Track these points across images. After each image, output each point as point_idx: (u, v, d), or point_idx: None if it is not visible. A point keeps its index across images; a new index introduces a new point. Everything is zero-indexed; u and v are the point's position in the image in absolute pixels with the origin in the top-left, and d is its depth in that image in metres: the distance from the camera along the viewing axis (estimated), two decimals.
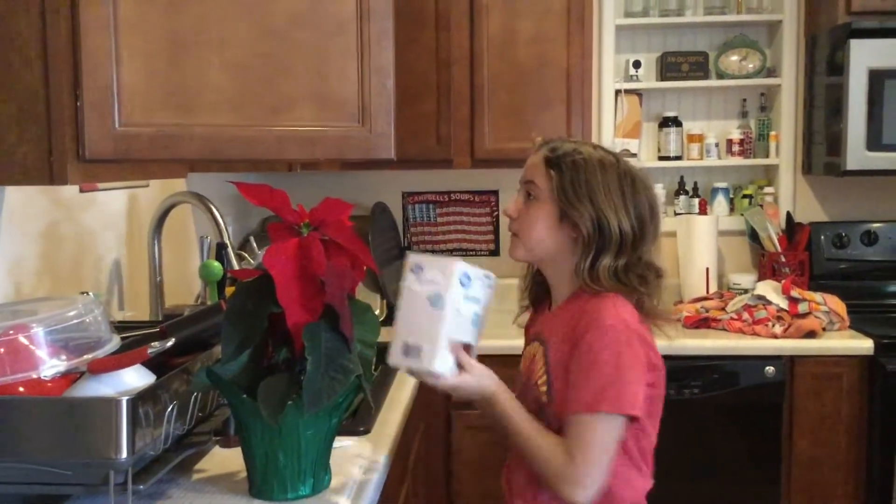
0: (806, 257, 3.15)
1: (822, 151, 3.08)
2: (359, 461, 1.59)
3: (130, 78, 1.33)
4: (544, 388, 1.51)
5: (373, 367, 1.39)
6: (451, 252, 3.37)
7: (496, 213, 3.37)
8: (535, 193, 1.53)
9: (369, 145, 1.51)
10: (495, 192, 3.38)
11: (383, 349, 2.20)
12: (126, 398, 1.22)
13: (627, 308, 1.48)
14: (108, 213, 2.13)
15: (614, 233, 1.47)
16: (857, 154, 2.86)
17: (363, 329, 1.37)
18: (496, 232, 3.38)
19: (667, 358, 2.68)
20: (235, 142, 1.41)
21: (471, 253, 3.37)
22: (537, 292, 1.68)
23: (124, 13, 1.32)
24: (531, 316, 1.73)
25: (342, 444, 1.63)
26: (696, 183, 3.34)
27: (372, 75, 1.50)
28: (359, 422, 1.80)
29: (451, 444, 2.79)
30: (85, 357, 1.35)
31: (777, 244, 3.16)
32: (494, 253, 3.39)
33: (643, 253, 1.51)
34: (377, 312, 2.98)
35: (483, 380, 1.47)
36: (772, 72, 3.26)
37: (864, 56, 2.84)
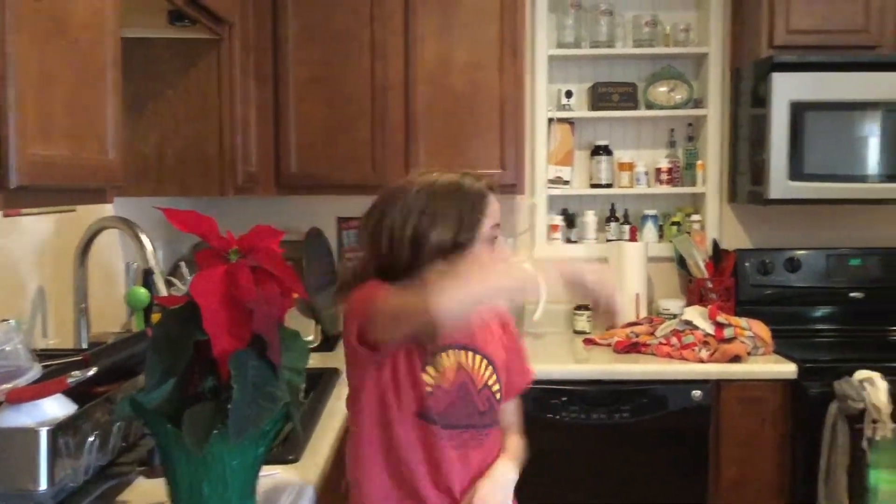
0: (732, 283, 3.23)
1: (746, 181, 3.18)
2: (287, 490, 1.57)
3: None
4: (497, 388, 1.67)
5: (301, 394, 1.38)
6: None
7: None
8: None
9: None
10: None
11: (314, 376, 2.19)
12: (45, 429, 1.19)
13: None
14: (33, 238, 2.09)
15: None
16: (779, 183, 2.96)
17: (292, 356, 1.36)
18: None
19: (598, 382, 2.76)
20: None
21: None
22: None
23: None
24: None
25: (270, 473, 1.62)
26: (626, 210, 3.41)
27: None
28: (288, 450, 1.78)
29: None
30: (4, 386, 1.31)
31: (704, 270, 3.24)
32: None
33: None
34: (311, 338, 2.97)
35: None
36: (699, 103, 3.36)
37: (786, 89, 2.94)
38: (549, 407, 2.76)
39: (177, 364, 1.30)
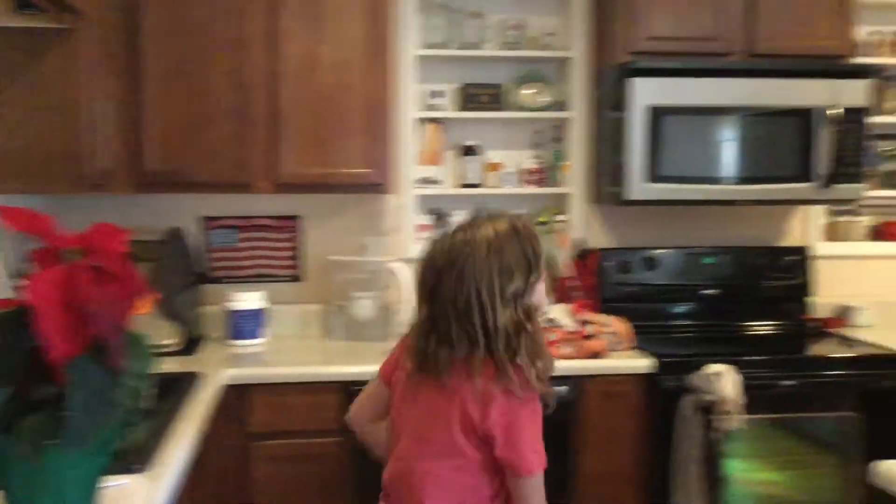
0: (595, 282, 3.32)
1: (607, 182, 3.27)
2: (134, 501, 1.50)
3: None
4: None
5: (146, 400, 1.32)
6: (252, 278, 3.30)
7: (298, 238, 3.34)
8: None
9: None
10: (297, 218, 3.34)
11: (172, 380, 2.10)
12: None
13: None
14: None
15: None
16: (637, 185, 3.05)
17: (136, 361, 1.30)
18: (298, 258, 3.34)
19: None
20: None
21: (272, 279, 3.31)
22: None
23: None
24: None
25: (118, 483, 1.54)
26: (495, 210, 3.44)
27: None
28: (136, 458, 1.71)
29: (249, 477, 2.70)
30: None
31: (568, 269, 3.31)
32: (296, 279, 3.35)
33: None
34: (171, 341, 2.86)
35: None
36: (563, 105, 3.44)
37: (644, 93, 3.04)
38: None
39: (9, 371, 1.22)
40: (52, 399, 1.26)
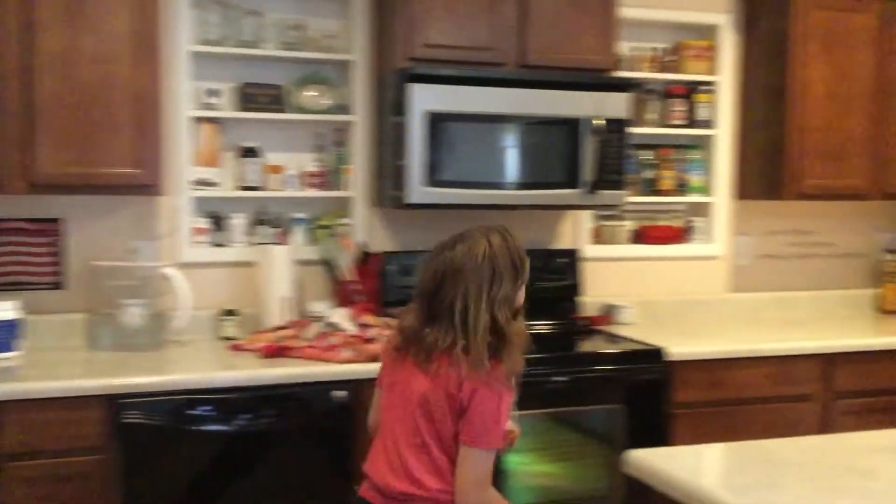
0: (377, 285, 3.34)
1: (389, 186, 3.29)
2: None
3: None
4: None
5: None
6: (4, 286, 3.03)
7: (59, 243, 3.11)
8: None
9: None
10: (57, 221, 3.11)
11: None
12: None
13: None
14: None
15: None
16: (416, 189, 3.09)
17: None
18: (60, 264, 3.11)
19: (243, 389, 2.71)
20: None
21: (30, 287, 3.06)
22: None
23: None
24: None
25: None
26: (276, 213, 3.38)
27: None
28: None
29: (1, 502, 2.49)
30: None
31: (351, 273, 3.30)
32: (57, 286, 3.11)
33: None
34: None
35: None
36: (345, 109, 3.43)
37: (423, 99, 3.08)
38: (187, 418, 2.64)
39: None
40: None
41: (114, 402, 2.55)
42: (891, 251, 4.18)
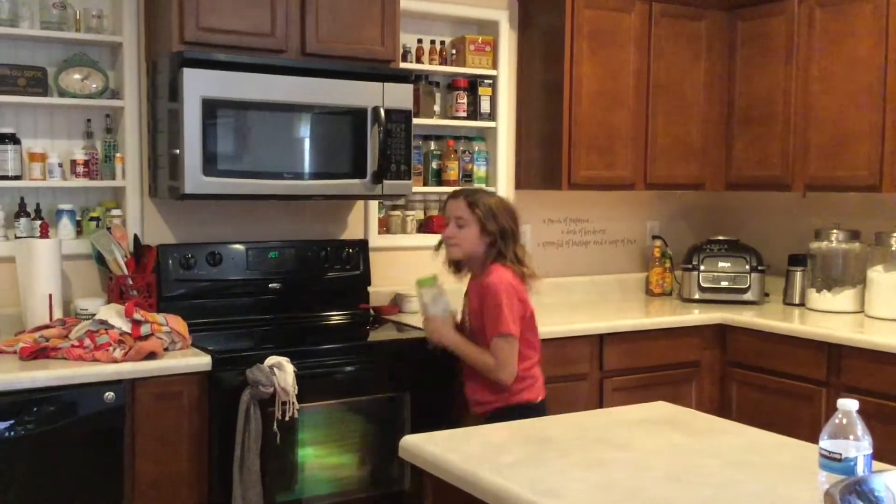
0: (153, 279, 3.18)
1: (165, 175, 3.14)
2: None
3: None
4: (468, 323, 2.90)
5: None
6: None
7: None
8: (464, 223, 2.80)
9: None
10: None
11: None
12: None
13: (508, 273, 2.77)
14: None
15: (508, 234, 2.80)
16: (193, 179, 2.97)
17: None
18: None
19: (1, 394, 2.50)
20: None
21: None
22: (455, 269, 2.94)
23: None
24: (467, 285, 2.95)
25: None
26: (38, 205, 3.14)
27: None
28: None
29: None
30: None
31: (124, 267, 3.13)
32: None
33: (518, 243, 2.87)
34: None
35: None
36: (116, 93, 3.24)
37: (198, 85, 2.96)
38: None
39: None
40: None
41: None
42: (656, 238, 4.50)
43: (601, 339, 3.58)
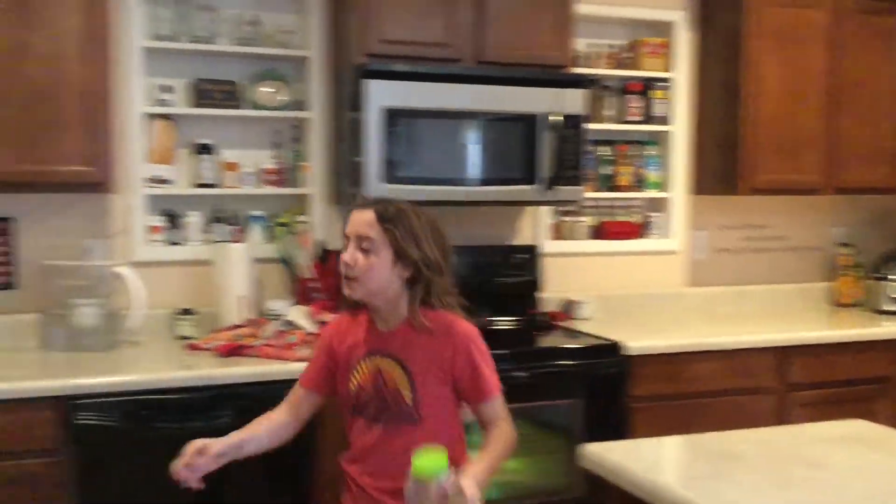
0: (336, 283, 3.30)
1: (347, 183, 3.27)
2: None
3: None
4: (409, 394, 1.98)
5: None
6: None
7: (10, 242, 3.05)
8: (371, 246, 1.93)
9: None
10: (8, 220, 3.05)
11: None
12: None
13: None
14: None
15: (435, 265, 1.96)
16: (374, 186, 3.08)
17: None
18: (11, 264, 3.05)
19: (199, 389, 2.67)
20: None
21: None
22: (350, 311, 2.11)
23: None
24: (351, 337, 2.07)
25: None
26: (232, 211, 3.35)
27: None
28: None
29: None
30: None
31: (310, 271, 3.28)
32: (8, 286, 3.05)
33: (448, 274, 2.03)
34: None
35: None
36: (302, 105, 3.40)
37: (379, 95, 3.06)
38: (141, 419, 2.61)
39: None
40: None
41: (67, 404, 2.51)
42: (844, 245, 4.25)
43: (785, 352, 3.42)
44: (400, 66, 3.11)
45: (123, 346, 2.98)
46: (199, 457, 1.90)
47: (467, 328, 2.01)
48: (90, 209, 3.14)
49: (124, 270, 2.96)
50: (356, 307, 2.07)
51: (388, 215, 1.94)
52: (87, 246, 3.02)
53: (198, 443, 1.92)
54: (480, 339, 2.03)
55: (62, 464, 2.51)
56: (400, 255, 1.93)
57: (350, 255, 1.95)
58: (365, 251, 1.94)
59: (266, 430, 2.10)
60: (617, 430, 3.12)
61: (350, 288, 1.98)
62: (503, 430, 2.02)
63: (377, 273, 1.94)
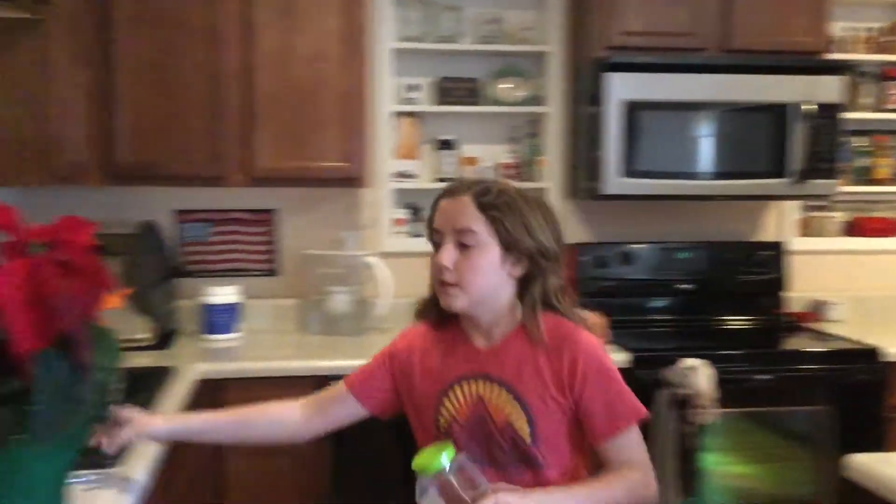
0: (572, 276, 3.33)
1: (583, 177, 3.27)
2: (104, 497, 1.48)
3: None
4: (527, 429, 1.54)
5: (111, 393, 1.30)
6: (226, 272, 3.27)
7: (273, 232, 3.31)
8: (474, 241, 1.53)
9: None
10: (272, 212, 3.31)
11: (145, 375, 2.06)
12: None
13: (582, 329, 1.62)
14: None
15: (552, 257, 1.56)
16: (613, 180, 3.06)
17: (103, 355, 1.28)
18: (273, 252, 3.32)
19: None
20: None
21: (247, 274, 3.29)
22: (436, 322, 1.69)
23: None
24: (437, 356, 1.67)
25: (88, 478, 1.52)
26: None
27: None
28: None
29: (224, 472, 2.68)
30: None
31: None
32: (271, 273, 3.32)
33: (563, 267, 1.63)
34: (144, 335, 2.84)
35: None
36: (540, 100, 3.43)
37: (620, 88, 3.04)
38: None
39: None
40: (19, 393, 1.24)
41: (323, 383, 2.67)
42: None
43: None
44: (642, 58, 3.07)
45: (372, 332, 3.15)
46: (122, 429, 1.55)
47: (590, 340, 1.60)
48: (343, 202, 3.34)
49: (374, 260, 3.12)
50: (441, 321, 1.66)
51: (491, 199, 1.53)
52: (340, 237, 3.22)
53: (133, 412, 1.58)
54: (606, 353, 1.62)
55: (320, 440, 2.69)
56: (510, 249, 1.53)
57: (446, 256, 1.53)
58: (465, 248, 1.53)
59: (247, 420, 1.74)
60: (873, 441, 2.91)
61: (449, 296, 1.55)
62: (633, 476, 1.54)
63: (484, 274, 1.53)
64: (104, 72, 2.80)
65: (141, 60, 2.82)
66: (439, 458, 1.40)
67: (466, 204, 1.53)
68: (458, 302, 1.55)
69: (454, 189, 1.57)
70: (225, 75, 2.87)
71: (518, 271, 1.56)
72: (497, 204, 1.53)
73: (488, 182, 1.57)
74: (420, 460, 1.42)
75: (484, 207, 1.53)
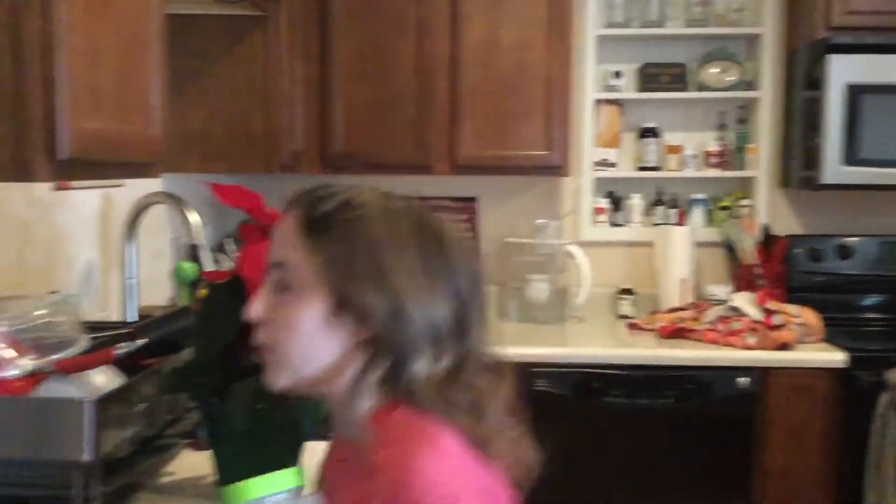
0: (782, 270, 3.16)
1: (799, 165, 3.10)
2: None
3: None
4: None
5: None
6: None
7: (475, 219, 3.37)
8: (290, 280, 0.96)
9: None
10: (474, 199, 3.37)
11: None
12: (91, 399, 1.20)
13: (453, 445, 0.91)
14: (82, 212, 2.11)
15: (422, 324, 0.93)
16: (833, 168, 2.88)
17: None
18: (475, 239, 3.37)
19: (642, 367, 2.73)
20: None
21: None
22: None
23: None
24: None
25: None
26: (674, 194, 3.35)
27: None
28: None
29: None
30: (52, 357, 1.33)
31: (753, 256, 3.17)
32: None
33: (472, 346, 0.99)
34: None
35: None
36: (751, 85, 3.28)
37: (843, 71, 2.86)
38: (591, 391, 2.73)
39: (222, 338, 1.30)
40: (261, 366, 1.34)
41: (526, 371, 2.71)
42: None
43: None
44: (867, 38, 2.86)
45: (570, 321, 3.15)
46: None
47: (425, 483, 0.85)
48: (543, 190, 3.35)
49: (573, 249, 3.11)
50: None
51: (325, 215, 0.95)
52: (540, 225, 3.23)
53: None
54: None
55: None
56: (346, 302, 0.93)
57: (255, 303, 0.99)
58: (280, 289, 0.97)
59: None
60: None
61: (266, 367, 0.99)
62: None
63: (300, 334, 0.95)
64: (322, 65, 2.95)
65: (355, 54, 2.95)
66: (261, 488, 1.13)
67: (289, 224, 0.98)
68: (274, 377, 0.99)
69: (288, 200, 1.01)
70: (433, 66, 2.95)
71: (359, 335, 0.94)
72: (332, 222, 0.95)
73: (334, 188, 0.98)
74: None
75: (311, 229, 0.96)
